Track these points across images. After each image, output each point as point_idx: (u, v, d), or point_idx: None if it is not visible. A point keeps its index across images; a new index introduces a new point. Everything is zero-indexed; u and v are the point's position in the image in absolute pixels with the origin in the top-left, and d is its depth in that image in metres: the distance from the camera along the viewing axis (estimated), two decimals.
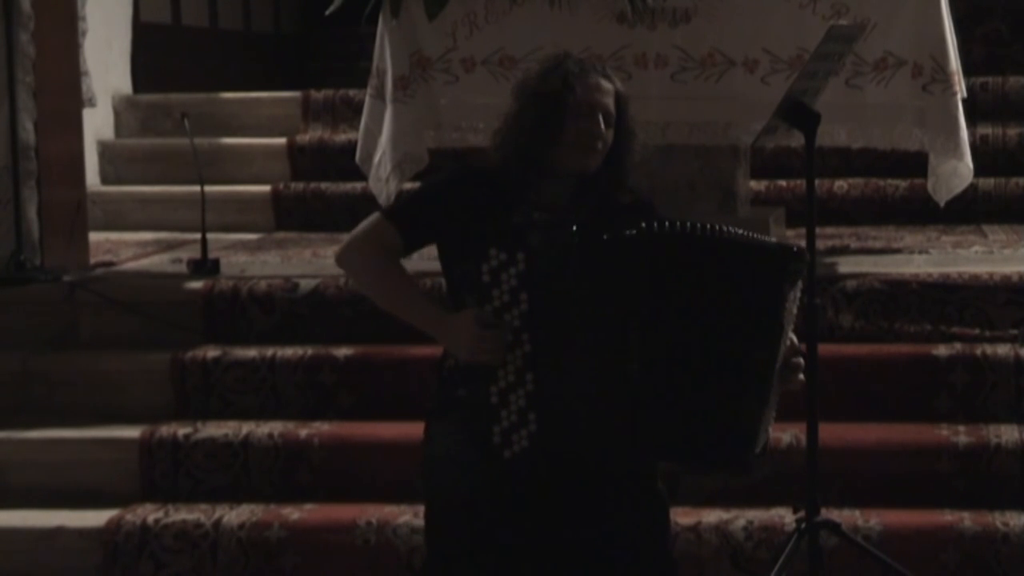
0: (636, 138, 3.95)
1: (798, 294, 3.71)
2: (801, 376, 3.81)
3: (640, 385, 3.61)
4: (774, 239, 3.93)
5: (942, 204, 6.17)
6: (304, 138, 8.12)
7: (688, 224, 3.63)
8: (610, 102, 3.88)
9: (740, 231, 3.69)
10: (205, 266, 6.07)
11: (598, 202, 3.90)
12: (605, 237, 3.64)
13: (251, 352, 5.50)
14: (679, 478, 4.92)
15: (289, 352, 5.47)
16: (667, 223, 3.64)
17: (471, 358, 3.74)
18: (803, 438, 4.44)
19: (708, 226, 3.64)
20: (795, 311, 3.71)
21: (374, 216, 3.95)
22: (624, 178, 3.94)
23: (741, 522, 4.80)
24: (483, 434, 3.70)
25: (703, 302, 3.65)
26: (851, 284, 5.48)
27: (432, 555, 3.79)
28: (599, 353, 3.63)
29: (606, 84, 3.90)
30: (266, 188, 7.81)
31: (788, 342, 3.73)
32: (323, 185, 7.75)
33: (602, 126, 3.85)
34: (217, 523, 4.98)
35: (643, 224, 3.63)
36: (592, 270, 3.63)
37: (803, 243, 4.38)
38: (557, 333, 3.66)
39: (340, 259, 3.99)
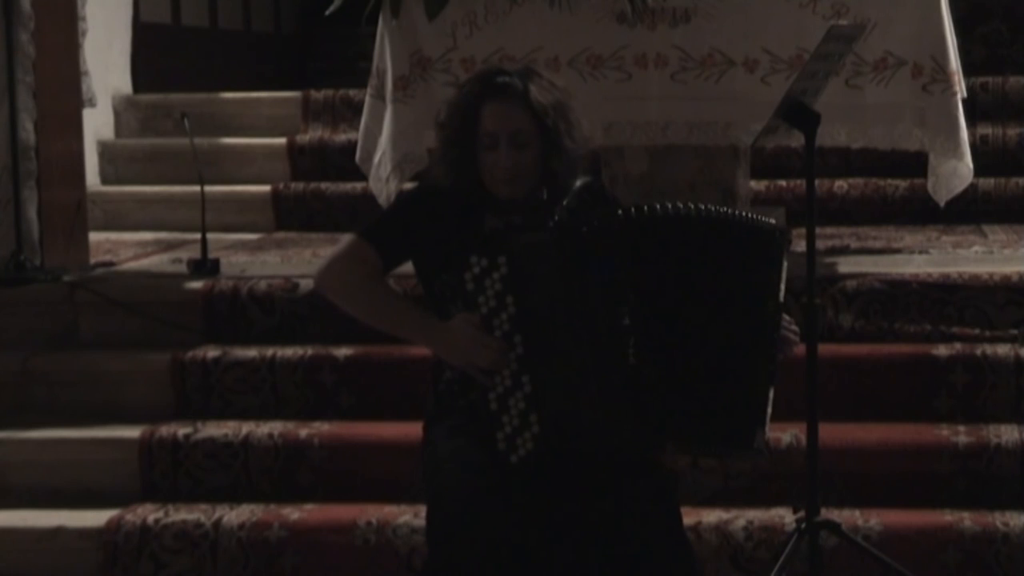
0: (568, 134, 3.82)
1: (785, 268, 3.83)
2: (797, 344, 3.91)
3: (643, 372, 3.62)
4: (749, 214, 3.86)
5: (942, 204, 6.17)
6: (304, 138, 8.11)
7: (663, 207, 3.66)
8: (517, 120, 3.79)
9: (703, 207, 3.71)
10: (205, 266, 6.07)
11: (557, 194, 3.89)
12: (584, 230, 3.65)
13: (251, 352, 5.50)
14: (678, 477, 4.92)
15: (289, 352, 5.47)
16: (644, 208, 3.66)
17: (468, 362, 3.73)
18: (803, 438, 4.43)
19: (683, 207, 3.67)
20: (783, 287, 3.81)
21: (349, 238, 3.91)
22: (568, 176, 3.87)
23: (741, 522, 4.80)
24: (487, 440, 3.69)
25: (697, 284, 3.68)
26: (851, 284, 5.48)
27: (436, 557, 3.76)
28: (595, 346, 3.63)
29: (509, 103, 3.80)
30: (266, 188, 7.81)
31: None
32: (323, 185, 7.75)
33: (510, 154, 3.79)
34: (217, 523, 4.97)
35: (618, 212, 3.67)
36: (575, 264, 3.65)
37: (803, 243, 4.40)
38: (549, 332, 3.66)
39: (321, 280, 3.92)
